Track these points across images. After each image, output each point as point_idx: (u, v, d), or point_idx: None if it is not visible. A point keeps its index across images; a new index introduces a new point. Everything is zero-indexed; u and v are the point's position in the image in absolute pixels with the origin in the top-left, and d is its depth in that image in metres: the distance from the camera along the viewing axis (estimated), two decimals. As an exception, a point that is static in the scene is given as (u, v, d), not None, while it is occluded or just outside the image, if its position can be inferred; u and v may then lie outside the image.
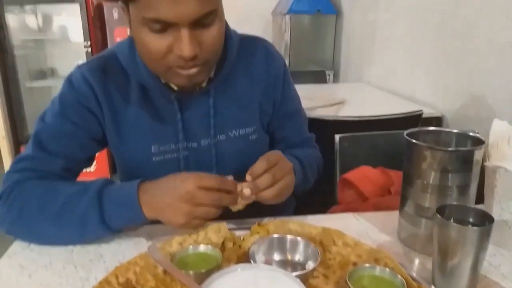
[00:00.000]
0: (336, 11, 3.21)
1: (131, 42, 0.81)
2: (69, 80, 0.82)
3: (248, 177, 0.72)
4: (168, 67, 0.73)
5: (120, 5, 0.74)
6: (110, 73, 0.82)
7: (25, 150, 0.80)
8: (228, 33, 0.84)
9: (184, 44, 0.68)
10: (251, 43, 0.92)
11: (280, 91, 0.94)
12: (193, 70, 0.73)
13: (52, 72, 3.45)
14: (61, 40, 3.30)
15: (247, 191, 0.71)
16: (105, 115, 0.82)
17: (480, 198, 0.76)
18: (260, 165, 0.72)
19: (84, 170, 0.87)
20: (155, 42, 0.69)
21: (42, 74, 3.35)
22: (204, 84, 0.84)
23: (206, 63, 0.75)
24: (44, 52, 3.41)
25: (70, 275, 0.66)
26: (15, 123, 3.10)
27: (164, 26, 0.68)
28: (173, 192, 0.68)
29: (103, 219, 0.70)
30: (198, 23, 0.69)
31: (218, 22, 0.72)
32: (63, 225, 0.71)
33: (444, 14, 1.87)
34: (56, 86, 3.30)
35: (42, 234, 0.74)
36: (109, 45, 3.16)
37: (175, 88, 0.82)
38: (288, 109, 0.97)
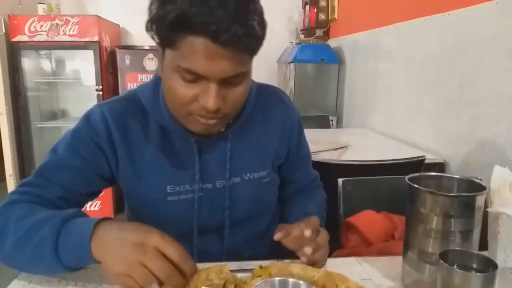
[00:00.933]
0: (339, 60, 3.31)
1: (154, 85, 0.85)
2: (87, 116, 0.84)
3: (307, 232, 0.75)
4: (190, 113, 0.76)
5: (156, 47, 0.77)
6: (130, 114, 0.84)
7: (29, 176, 0.82)
8: None
9: (210, 97, 0.71)
10: (267, 91, 0.97)
11: (295, 138, 0.99)
12: (212, 121, 0.76)
13: (63, 114, 3.54)
14: (74, 83, 3.41)
15: (308, 250, 0.75)
16: (119, 155, 0.83)
17: (483, 244, 0.76)
18: (314, 224, 0.79)
19: (87, 205, 0.88)
20: (183, 90, 0.73)
21: (53, 115, 3.43)
22: (222, 129, 0.87)
23: (226, 117, 0.79)
24: (56, 94, 3.52)
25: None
26: (23, 161, 3.13)
27: (196, 78, 0.71)
28: (130, 236, 0.62)
29: (56, 250, 0.67)
30: (227, 81, 0.72)
31: (245, 83, 0.76)
32: (23, 248, 0.69)
33: (443, 65, 1.94)
34: (66, 126, 3.37)
35: (9, 256, 0.72)
36: (120, 89, 3.28)
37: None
38: (301, 155, 1.02)
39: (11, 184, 3.02)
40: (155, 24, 0.70)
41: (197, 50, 0.67)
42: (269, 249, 0.95)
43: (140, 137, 0.84)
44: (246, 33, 0.67)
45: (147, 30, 0.72)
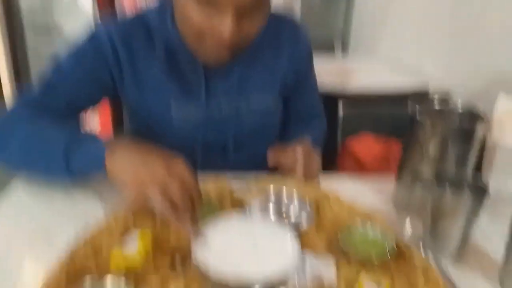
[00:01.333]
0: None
1: (161, 5, 0.83)
2: (92, 33, 0.82)
3: (298, 150, 0.77)
4: (202, 40, 0.73)
5: None
6: (136, 34, 0.82)
7: (33, 87, 0.81)
8: None
9: (226, 29, 0.68)
10: (279, 18, 0.93)
11: (304, 68, 0.98)
12: (223, 52, 0.74)
13: (58, 32, 3.41)
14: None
15: (300, 170, 0.76)
16: (124, 71, 0.82)
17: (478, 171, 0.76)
18: (306, 143, 0.81)
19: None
20: (198, 16, 0.69)
21: (47, 30, 3.30)
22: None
23: (238, 48, 0.76)
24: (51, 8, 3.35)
25: (70, 215, 0.68)
26: (19, 79, 3.09)
27: (213, 7, 0.67)
28: (157, 155, 0.63)
29: (67, 149, 0.68)
30: (245, 13, 0.69)
31: (263, 10, 0.73)
32: (32, 146, 0.71)
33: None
34: (60, 43, 3.26)
35: (15, 160, 0.74)
36: (117, 7, 3.09)
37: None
38: (308, 83, 1.01)
39: (7, 92, 3.00)
40: None
41: None
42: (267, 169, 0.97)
43: (146, 56, 0.83)
44: None
45: None
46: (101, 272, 0.52)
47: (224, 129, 0.89)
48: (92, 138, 0.70)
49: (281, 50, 0.92)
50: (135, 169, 0.61)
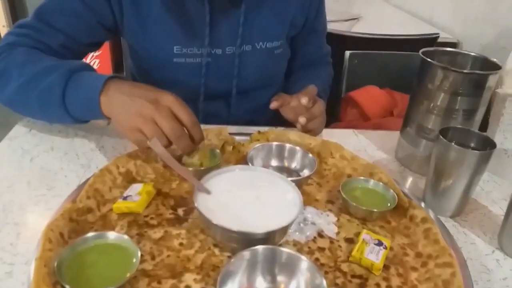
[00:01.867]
0: None
1: None
2: None
3: (303, 100, 0.76)
4: None
5: None
6: None
7: (27, 18, 0.76)
8: None
9: None
10: None
11: (315, 8, 0.93)
12: None
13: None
14: None
15: (303, 119, 0.76)
16: (124, 3, 0.77)
17: (484, 126, 0.75)
18: (312, 93, 0.78)
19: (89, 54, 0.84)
20: None
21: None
22: None
23: None
24: None
25: (71, 161, 0.68)
26: (16, 11, 2.98)
27: None
28: (143, 93, 0.60)
29: (63, 98, 0.64)
30: None
31: None
32: (29, 93, 0.68)
33: None
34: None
35: (13, 99, 0.71)
36: None
37: None
38: (317, 26, 0.97)
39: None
40: None
41: None
42: (269, 119, 0.95)
43: None
44: None
45: None
46: (104, 225, 0.52)
47: (227, 74, 0.87)
48: (87, 80, 0.65)
49: None
50: (126, 112, 0.59)
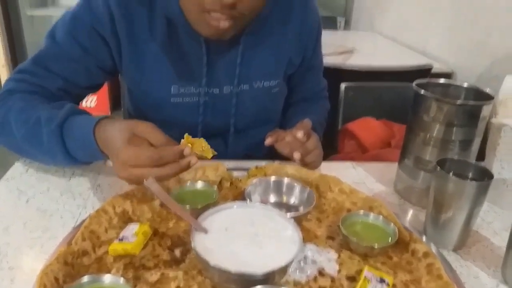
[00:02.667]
0: (352, -45, 3.02)
1: None
2: (88, 1, 0.76)
3: (298, 134, 0.75)
4: (202, 10, 0.68)
5: None
6: (135, 3, 0.76)
7: (25, 62, 0.77)
8: None
9: None
10: None
11: (312, 45, 0.94)
12: (225, 23, 0.69)
13: (53, 1, 3.33)
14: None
15: (297, 154, 0.75)
16: (123, 45, 0.78)
17: (481, 155, 0.75)
18: (306, 127, 0.77)
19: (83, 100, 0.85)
20: None
21: (43, 2, 3.22)
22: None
23: (240, 19, 0.71)
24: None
25: (67, 202, 0.67)
26: (15, 51, 3.04)
27: None
28: (115, 144, 0.59)
29: (67, 151, 0.66)
30: None
31: None
32: (34, 147, 0.69)
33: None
34: (57, 16, 3.19)
35: (20, 148, 0.72)
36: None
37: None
38: (314, 63, 0.98)
39: (4, 75, 2.96)
40: None
41: None
42: (267, 153, 0.95)
43: (145, 28, 0.78)
44: None
45: None
46: (100, 268, 0.51)
47: (224, 113, 0.87)
48: (81, 124, 0.65)
49: (289, 29, 0.87)
50: (114, 154, 0.59)
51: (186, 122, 0.85)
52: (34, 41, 3.12)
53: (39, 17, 3.14)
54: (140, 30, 0.77)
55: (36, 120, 0.67)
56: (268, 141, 0.78)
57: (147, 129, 0.59)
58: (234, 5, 0.66)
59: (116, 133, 0.60)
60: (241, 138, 0.92)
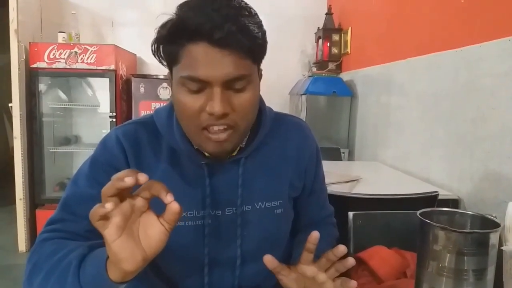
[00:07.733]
0: (351, 93, 3.33)
1: (170, 107, 0.87)
2: (104, 142, 0.85)
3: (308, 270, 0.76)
4: (200, 128, 0.75)
5: (168, 75, 0.81)
6: (142, 136, 0.85)
7: (54, 212, 0.82)
8: (262, 107, 0.89)
9: (215, 101, 0.72)
10: (286, 120, 0.96)
11: (313, 172, 0.97)
12: (222, 135, 0.75)
13: (77, 139, 3.59)
14: (88, 110, 3.48)
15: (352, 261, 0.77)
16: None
17: (499, 283, 0.72)
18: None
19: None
20: (190, 101, 0.74)
21: (67, 140, 3.47)
22: (234, 153, 0.86)
23: (236, 128, 0.77)
24: (70, 120, 3.59)
25: None
26: (34, 185, 3.15)
27: (200, 87, 0.73)
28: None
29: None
30: (231, 87, 0.73)
31: (251, 89, 0.76)
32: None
33: (456, 101, 1.93)
34: (78, 152, 3.41)
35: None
36: (133, 116, 3.32)
37: (207, 154, 0.84)
38: (316, 188, 1.00)
39: (20, 208, 3.02)
40: (158, 43, 0.74)
41: (196, 56, 0.71)
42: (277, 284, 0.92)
43: (151, 159, 0.84)
44: (240, 30, 0.70)
45: (153, 53, 0.75)
46: None
47: (229, 234, 0.87)
48: (95, 261, 0.67)
49: (288, 153, 0.92)
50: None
51: (191, 246, 0.85)
52: (54, 174, 3.28)
53: (61, 152, 3.36)
54: (147, 161, 0.84)
55: (63, 267, 0.69)
56: (276, 276, 0.77)
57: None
58: (226, 114, 0.73)
59: None
60: (249, 268, 0.89)
